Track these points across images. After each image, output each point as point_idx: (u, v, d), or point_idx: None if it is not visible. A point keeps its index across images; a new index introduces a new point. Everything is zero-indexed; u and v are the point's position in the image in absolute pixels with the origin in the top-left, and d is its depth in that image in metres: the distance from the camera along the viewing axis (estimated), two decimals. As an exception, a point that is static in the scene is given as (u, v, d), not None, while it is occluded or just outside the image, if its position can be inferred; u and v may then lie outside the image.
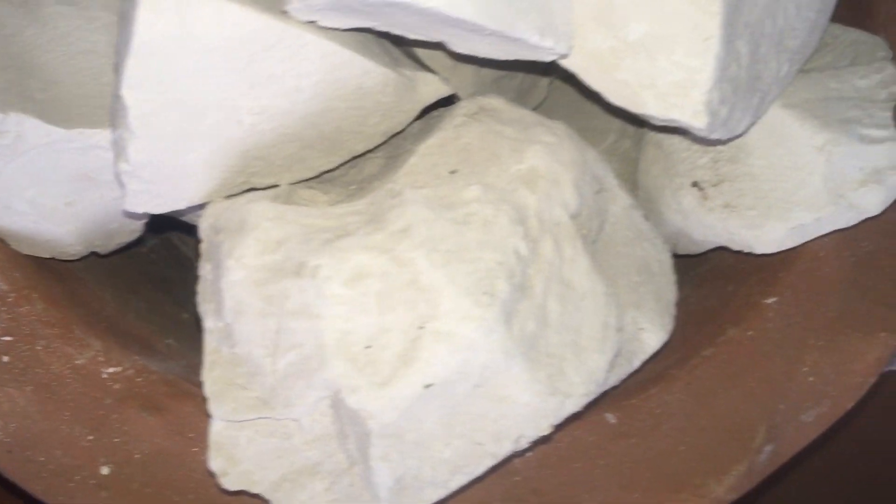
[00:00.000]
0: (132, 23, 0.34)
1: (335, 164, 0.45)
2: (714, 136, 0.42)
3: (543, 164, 0.42)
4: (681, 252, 0.53)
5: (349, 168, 0.48)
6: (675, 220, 0.51)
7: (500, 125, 0.44)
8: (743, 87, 0.42)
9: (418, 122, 0.47)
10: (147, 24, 0.34)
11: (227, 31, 0.36)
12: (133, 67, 0.35)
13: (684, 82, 0.40)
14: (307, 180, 0.44)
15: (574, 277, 0.41)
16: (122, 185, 0.40)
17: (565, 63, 0.42)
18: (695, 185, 0.50)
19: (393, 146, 0.48)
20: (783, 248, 0.49)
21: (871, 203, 0.47)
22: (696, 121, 0.40)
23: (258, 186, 0.44)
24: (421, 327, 0.37)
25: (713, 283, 0.54)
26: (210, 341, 0.40)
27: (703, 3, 0.37)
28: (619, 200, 0.46)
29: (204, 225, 0.42)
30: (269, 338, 0.38)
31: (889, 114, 0.48)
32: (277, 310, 0.38)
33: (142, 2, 0.34)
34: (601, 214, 0.45)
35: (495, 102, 0.45)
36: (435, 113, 0.47)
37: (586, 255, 0.41)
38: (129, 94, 0.36)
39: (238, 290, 0.38)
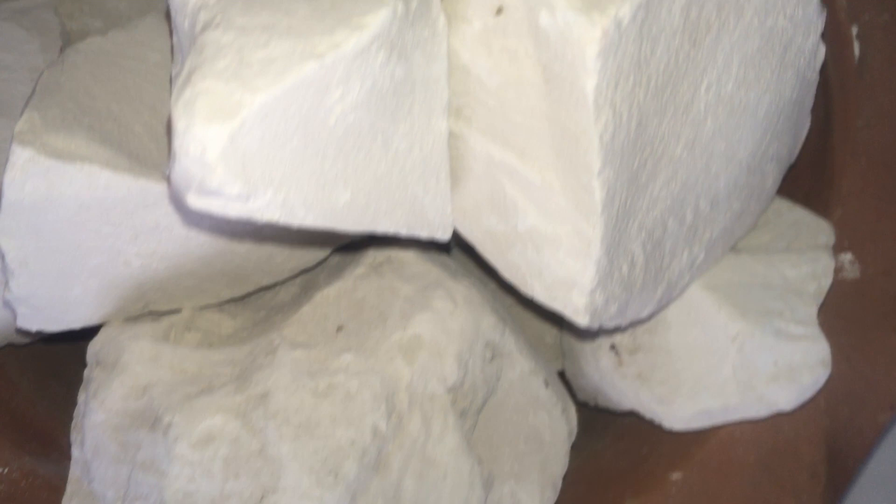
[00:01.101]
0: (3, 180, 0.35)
1: (242, 294, 0.46)
2: (610, 325, 0.41)
3: (428, 334, 0.41)
4: (601, 406, 0.52)
5: (265, 290, 0.48)
6: (593, 376, 0.51)
7: (399, 281, 0.44)
8: (639, 284, 0.41)
9: (337, 253, 0.47)
10: (15, 187, 0.35)
11: (99, 193, 0.36)
12: (5, 219, 0.36)
13: (567, 281, 0.39)
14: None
15: (438, 454, 0.41)
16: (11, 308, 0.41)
17: (465, 233, 0.41)
18: (612, 348, 0.49)
19: (311, 274, 0.48)
20: (691, 428, 0.48)
21: (782, 399, 0.46)
22: (578, 318, 0.39)
23: (159, 311, 0.44)
24: (261, 499, 0.37)
25: (630, 439, 0.53)
26: (74, 470, 0.41)
27: (585, 210, 0.37)
28: (518, 366, 0.46)
29: (90, 351, 0.43)
30: (121, 483, 0.39)
31: (813, 309, 0.46)
32: (130, 458, 0.39)
33: (10, 165, 0.34)
34: (490, 382, 0.44)
35: (404, 255, 0.45)
36: (351, 252, 0.47)
37: (457, 432, 0.41)
38: (4, 240, 0.37)
39: (98, 431, 0.39)
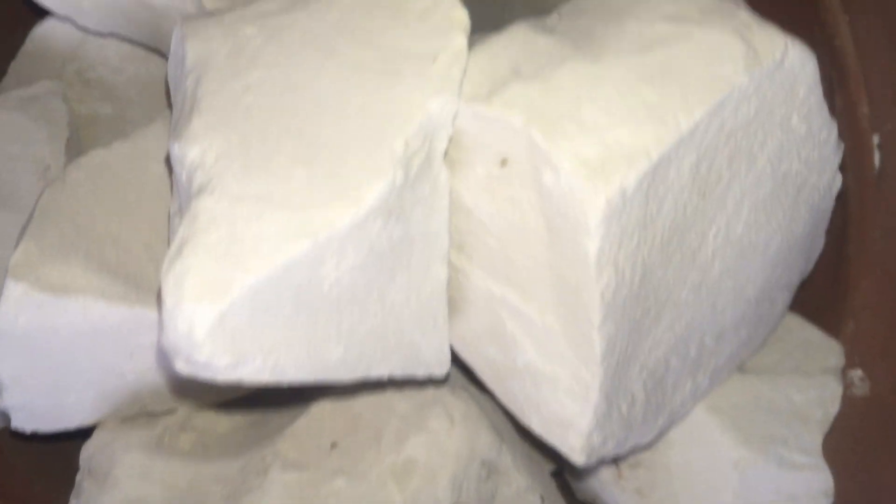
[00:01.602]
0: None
1: (239, 396, 0.45)
2: (608, 457, 0.41)
3: (422, 458, 0.41)
4: (599, 509, 0.51)
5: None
6: (593, 485, 0.50)
7: (396, 396, 0.43)
8: (639, 420, 0.40)
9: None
10: (9, 318, 0.35)
11: (94, 322, 0.36)
12: (-1, 343, 0.36)
13: (564, 420, 0.38)
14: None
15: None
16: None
17: (465, 357, 0.41)
18: (613, 460, 0.49)
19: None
20: (688, 548, 0.47)
21: (783, 527, 0.45)
22: (574, 457, 0.39)
23: (155, 412, 0.44)
24: None
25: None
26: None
27: (584, 357, 0.36)
28: (514, 483, 0.45)
29: (83, 455, 0.43)
30: None
31: (818, 437, 0.45)
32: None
33: (4, 297, 0.34)
34: (485, 501, 0.44)
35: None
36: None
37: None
38: (-4, 359, 0.37)
39: (87, 548, 0.39)
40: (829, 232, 0.49)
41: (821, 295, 0.52)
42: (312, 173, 0.30)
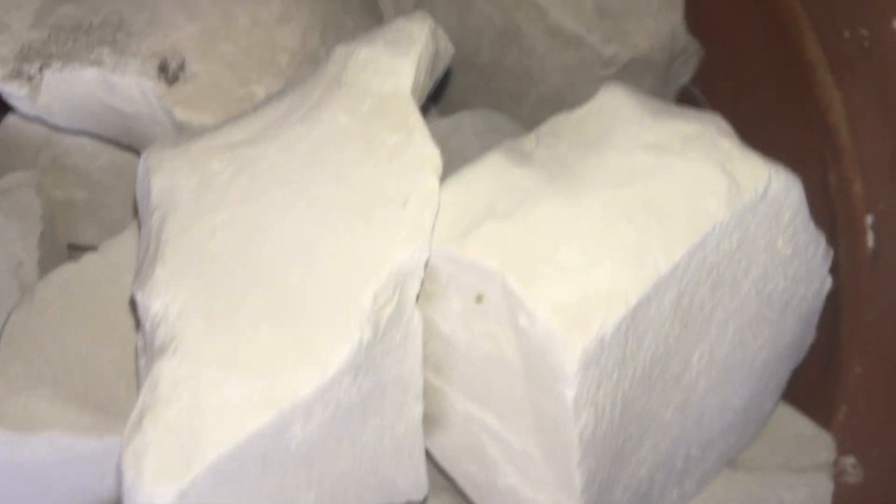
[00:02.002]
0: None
1: None
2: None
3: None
4: None
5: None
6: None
7: None
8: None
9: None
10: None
11: (62, 453, 0.35)
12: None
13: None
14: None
15: None
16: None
17: (445, 468, 0.40)
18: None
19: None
20: None
21: None
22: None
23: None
24: None
25: None
26: None
27: (565, 487, 0.35)
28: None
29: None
30: None
31: (807, 540, 0.44)
32: None
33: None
34: None
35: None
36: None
37: None
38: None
39: None
40: (821, 316, 0.48)
41: (813, 380, 0.51)
42: (278, 332, 0.29)
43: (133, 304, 0.33)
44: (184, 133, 0.36)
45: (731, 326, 0.37)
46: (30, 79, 0.40)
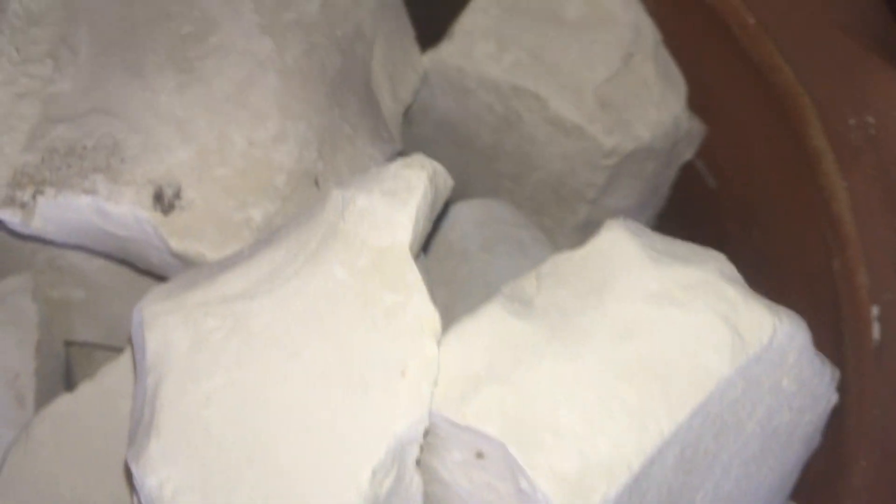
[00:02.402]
0: None
1: None
2: None
3: None
4: None
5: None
6: None
7: None
8: None
9: None
10: None
11: None
12: None
13: None
14: None
15: None
16: None
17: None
18: None
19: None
20: None
21: None
22: None
23: None
24: None
25: None
26: None
27: None
28: None
29: None
30: None
31: None
32: None
33: None
34: None
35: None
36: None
37: None
38: None
39: None
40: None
41: (817, 475, 0.51)
42: (276, 482, 0.29)
43: (128, 470, 0.32)
44: (179, 278, 0.35)
45: (735, 463, 0.36)
46: (23, 206, 0.40)
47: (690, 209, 0.63)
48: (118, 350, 0.49)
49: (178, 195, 0.39)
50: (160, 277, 0.44)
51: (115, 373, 0.39)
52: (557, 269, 0.35)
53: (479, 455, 0.33)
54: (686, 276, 0.33)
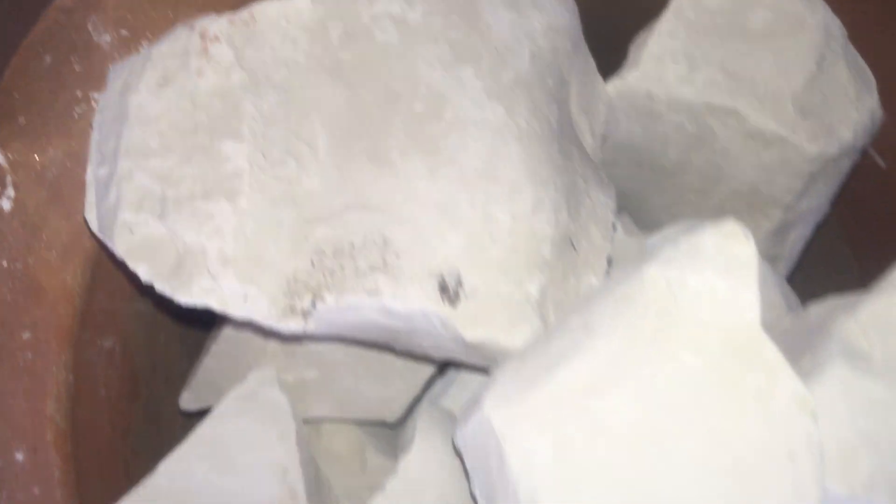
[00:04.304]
0: None
1: None
2: None
3: None
4: None
5: None
6: None
7: None
8: None
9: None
10: None
11: None
12: None
13: None
14: None
15: None
16: None
17: None
18: None
19: None
20: None
21: None
22: None
23: None
24: None
25: None
26: None
27: None
28: None
29: None
30: None
31: None
32: None
33: None
34: None
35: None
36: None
37: None
38: None
39: None
40: None
41: None
42: None
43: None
44: (505, 372, 0.35)
45: None
46: (304, 314, 0.39)
47: (861, 189, 0.62)
48: (347, 421, 0.50)
49: (460, 283, 0.39)
50: (388, 348, 0.44)
51: (416, 465, 0.40)
52: (878, 319, 0.35)
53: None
54: None
